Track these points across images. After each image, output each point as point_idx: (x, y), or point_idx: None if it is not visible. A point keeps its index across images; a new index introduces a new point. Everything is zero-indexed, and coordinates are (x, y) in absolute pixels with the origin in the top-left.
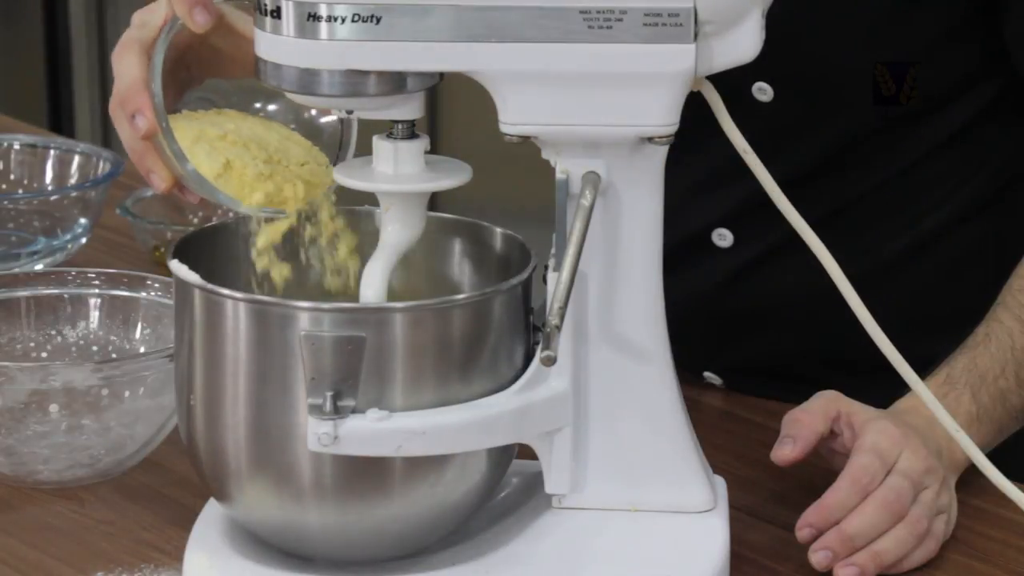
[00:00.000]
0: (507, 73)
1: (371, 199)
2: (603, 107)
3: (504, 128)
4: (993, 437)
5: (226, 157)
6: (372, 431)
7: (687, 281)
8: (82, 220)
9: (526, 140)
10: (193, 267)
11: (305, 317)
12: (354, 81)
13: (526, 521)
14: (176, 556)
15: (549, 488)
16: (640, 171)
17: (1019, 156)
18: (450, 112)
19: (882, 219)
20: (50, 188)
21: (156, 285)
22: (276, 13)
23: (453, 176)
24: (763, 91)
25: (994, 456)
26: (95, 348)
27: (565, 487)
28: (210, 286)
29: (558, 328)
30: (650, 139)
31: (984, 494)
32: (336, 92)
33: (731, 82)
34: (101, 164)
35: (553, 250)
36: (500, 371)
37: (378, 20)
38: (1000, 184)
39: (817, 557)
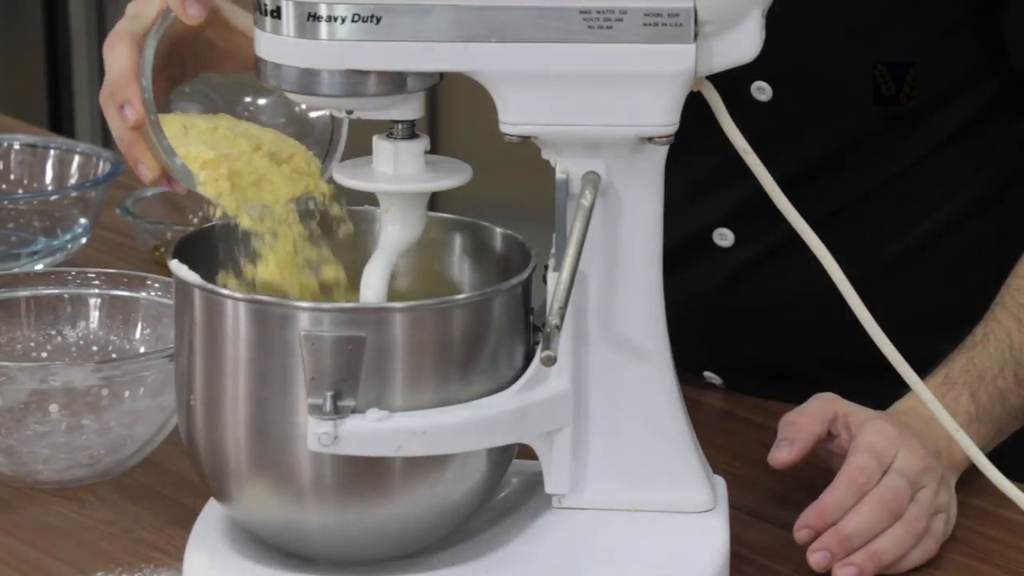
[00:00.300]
0: (507, 73)
1: (371, 199)
2: (603, 107)
3: (504, 128)
4: (993, 437)
5: (217, 148)
6: (372, 431)
7: (687, 281)
8: (82, 220)
9: (526, 140)
10: (193, 267)
11: (305, 317)
12: (354, 81)
13: (526, 521)
14: (176, 556)
15: (549, 488)
16: (640, 171)
17: (1018, 155)
18: (450, 112)
19: (882, 219)
20: (50, 188)
21: (156, 285)
22: (276, 13)
23: (453, 176)
24: (762, 90)
25: (994, 456)
26: (95, 348)
27: (565, 487)
28: (210, 286)
29: (558, 328)
30: (650, 139)
31: (984, 494)
32: (336, 92)
33: (729, 81)
34: (101, 164)
35: (553, 250)
36: (500, 371)
37: (378, 20)
38: (1000, 184)
39: (815, 558)
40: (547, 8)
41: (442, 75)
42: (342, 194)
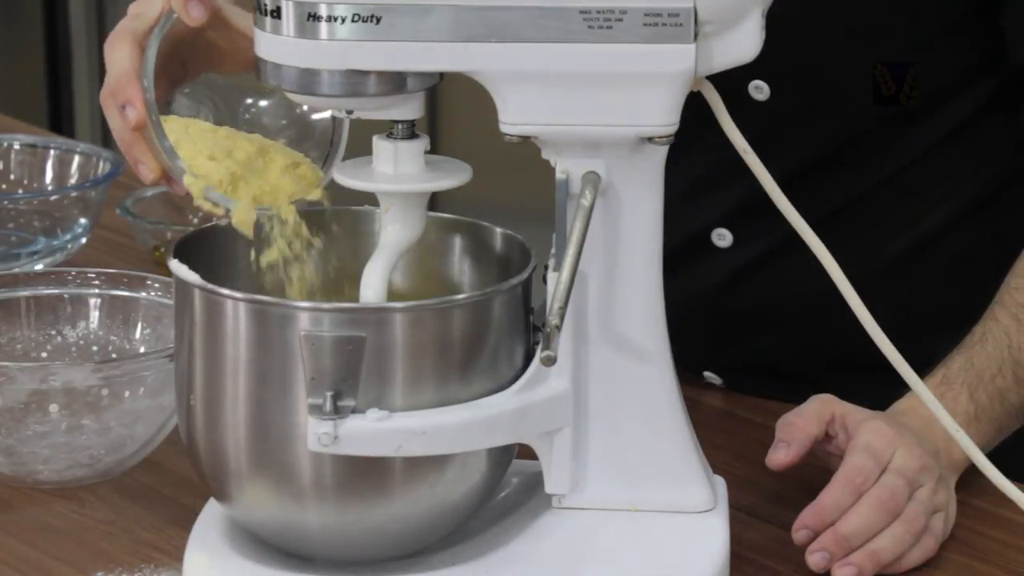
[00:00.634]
0: (507, 73)
1: (371, 199)
2: (603, 107)
3: (504, 128)
4: (992, 436)
5: (217, 148)
6: (372, 431)
7: (686, 281)
8: (82, 220)
9: (526, 140)
10: (193, 267)
11: (305, 317)
12: (354, 81)
13: (526, 521)
14: (176, 556)
15: (549, 488)
16: (640, 171)
17: (1017, 155)
18: (450, 112)
19: (881, 219)
20: (50, 188)
21: (156, 285)
22: (276, 13)
23: (453, 176)
24: (759, 89)
25: (994, 456)
26: (95, 348)
27: (565, 487)
28: (210, 286)
29: (558, 328)
30: (650, 139)
31: (984, 494)
32: (336, 92)
33: (727, 80)
34: (101, 164)
35: (553, 250)
36: (500, 371)
37: (378, 20)
38: (999, 183)
39: (814, 559)
40: (547, 8)
41: (442, 75)
42: (343, 194)
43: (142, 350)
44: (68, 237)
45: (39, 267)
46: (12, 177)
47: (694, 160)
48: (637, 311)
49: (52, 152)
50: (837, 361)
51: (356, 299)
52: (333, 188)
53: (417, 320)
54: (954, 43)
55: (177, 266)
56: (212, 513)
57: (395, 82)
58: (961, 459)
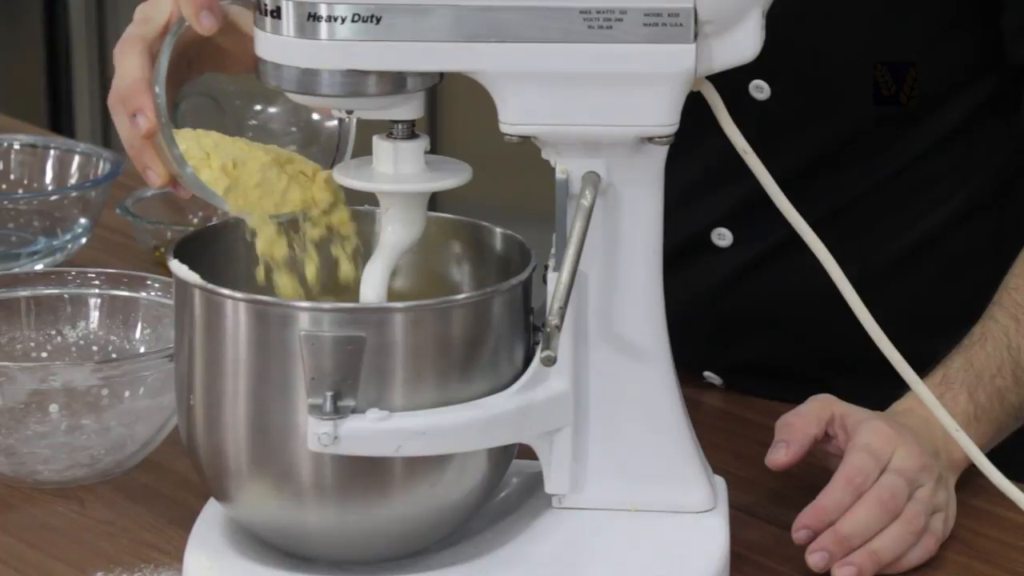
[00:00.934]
0: (507, 73)
1: (371, 199)
2: (603, 107)
3: (504, 128)
4: (992, 436)
5: (229, 156)
6: (372, 431)
7: (687, 281)
8: (82, 220)
9: (526, 140)
10: (193, 267)
11: (305, 317)
12: (354, 81)
13: (526, 521)
14: (176, 556)
15: (549, 488)
16: (640, 171)
17: (1017, 154)
18: (450, 112)
19: (882, 219)
20: (50, 188)
21: (156, 285)
22: (276, 13)
23: (453, 176)
24: (760, 89)
25: (994, 456)
26: (95, 348)
27: (565, 487)
28: (210, 286)
29: (558, 328)
30: (650, 139)
31: (984, 494)
32: (336, 92)
33: (727, 80)
34: (101, 164)
35: (553, 250)
36: (500, 371)
37: (378, 20)
38: (999, 183)
39: (814, 559)
40: (547, 8)
41: (442, 75)
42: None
43: (142, 350)
44: (68, 237)
45: (39, 267)
46: (12, 177)
47: (694, 160)
48: (637, 311)
49: (52, 152)
50: (837, 361)
51: (356, 299)
52: None
53: (417, 320)
54: (954, 43)
55: (177, 266)
56: (212, 513)
57: (395, 82)
58: (961, 459)
